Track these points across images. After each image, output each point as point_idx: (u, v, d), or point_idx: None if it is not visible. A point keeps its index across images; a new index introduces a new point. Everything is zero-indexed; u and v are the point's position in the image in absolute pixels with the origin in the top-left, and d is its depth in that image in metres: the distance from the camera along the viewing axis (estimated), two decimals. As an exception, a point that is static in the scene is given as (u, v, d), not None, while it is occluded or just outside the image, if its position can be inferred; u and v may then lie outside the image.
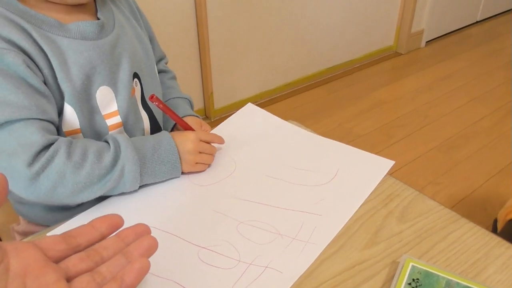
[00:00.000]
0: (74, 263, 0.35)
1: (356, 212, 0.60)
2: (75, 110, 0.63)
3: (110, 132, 0.67)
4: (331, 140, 0.74)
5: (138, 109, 0.73)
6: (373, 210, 0.60)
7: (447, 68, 2.49)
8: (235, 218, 0.59)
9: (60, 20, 0.63)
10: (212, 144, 0.70)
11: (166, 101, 0.82)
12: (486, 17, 3.09)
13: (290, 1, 2.03)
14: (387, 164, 0.68)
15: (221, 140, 0.72)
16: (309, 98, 2.24)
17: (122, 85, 0.68)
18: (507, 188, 1.61)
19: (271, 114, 0.81)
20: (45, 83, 0.60)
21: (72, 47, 0.62)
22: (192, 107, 0.85)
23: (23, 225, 0.75)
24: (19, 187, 0.56)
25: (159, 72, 0.84)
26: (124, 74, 0.68)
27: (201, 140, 0.67)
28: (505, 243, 0.56)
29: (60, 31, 0.62)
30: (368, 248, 0.55)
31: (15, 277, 0.31)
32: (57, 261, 0.34)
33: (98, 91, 0.65)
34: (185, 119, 0.78)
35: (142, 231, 0.38)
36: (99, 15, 0.67)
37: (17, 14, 0.59)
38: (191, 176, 0.67)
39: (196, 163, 0.67)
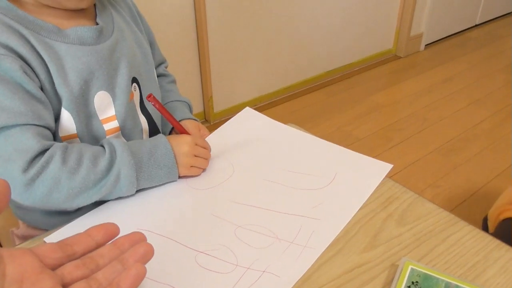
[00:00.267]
0: (69, 270, 0.35)
1: (355, 215, 0.60)
2: (72, 115, 0.63)
3: (107, 137, 0.67)
4: (330, 143, 0.74)
5: (137, 113, 0.72)
6: (372, 213, 0.60)
7: (447, 71, 2.50)
8: (232, 222, 0.59)
9: (60, 25, 0.63)
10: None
11: (165, 104, 0.82)
12: (485, 20, 3.10)
13: (289, 5, 2.04)
14: (386, 167, 0.68)
15: (209, 148, 0.72)
16: (308, 101, 2.24)
17: (120, 90, 0.68)
18: (507, 191, 1.61)
19: (269, 118, 0.81)
20: (42, 89, 0.60)
21: (70, 52, 0.62)
22: (191, 110, 0.85)
23: (22, 229, 0.75)
24: (14, 192, 0.56)
25: (159, 76, 0.84)
26: (123, 79, 0.68)
27: (196, 144, 0.67)
28: (504, 246, 0.55)
29: (58, 36, 0.62)
30: (367, 251, 0.55)
31: (12, 283, 0.31)
32: (53, 268, 0.34)
33: (96, 96, 0.65)
34: (183, 122, 0.79)
35: (138, 239, 0.38)
36: (98, 20, 0.67)
37: (16, 20, 0.59)
38: (189, 180, 0.67)
39: (191, 166, 0.66)
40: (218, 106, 2.01)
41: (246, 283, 0.50)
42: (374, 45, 2.57)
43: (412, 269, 0.50)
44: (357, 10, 2.34)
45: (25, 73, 0.58)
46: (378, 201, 0.62)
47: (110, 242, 0.38)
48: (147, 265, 0.36)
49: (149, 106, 0.75)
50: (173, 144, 0.65)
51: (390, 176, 0.67)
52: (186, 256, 0.54)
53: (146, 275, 0.50)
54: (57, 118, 0.63)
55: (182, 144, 0.66)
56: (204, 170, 0.68)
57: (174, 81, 0.89)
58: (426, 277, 0.49)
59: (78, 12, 0.65)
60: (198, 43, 1.82)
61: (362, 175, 0.67)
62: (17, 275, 0.32)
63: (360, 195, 0.63)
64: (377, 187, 0.64)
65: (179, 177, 0.66)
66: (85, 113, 0.65)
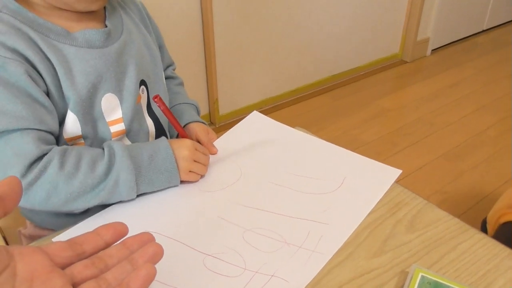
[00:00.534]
0: (79, 270, 0.34)
1: (364, 220, 0.59)
2: (78, 117, 0.63)
3: (112, 139, 0.67)
4: (338, 147, 0.74)
5: (143, 116, 0.72)
6: (382, 219, 0.60)
7: (453, 77, 2.49)
8: (241, 226, 0.59)
9: (69, 27, 0.63)
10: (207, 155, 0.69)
11: (172, 106, 0.82)
12: (492, 25, 3.09)
13: (295, 8, 2.04)
14: (394, 173, 0.68)
15: (213, 150, 0.73)
16: (314, 105, 2.23)
17: (128, 92, 0.68)
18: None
19: (277, 122, 0.81)
20: (48, 92, 0.61)
21: (78, 55, 0.62)
22: (198, 113, 0.84)
23: (30, 229, 0.75)
24: None
25: (167, 78, 0.84)
26: (131, 81, 0.68)
27: (196, 149, 0.66)
28: (516, 254, 0.55)
29: (66, 39, 0.62)
30: (376, 257, 0.54)
31: (22, 281, 0.31)
32: (62, 267, 0.34)
33: (103, 98, 0.65)
34: (191, 125, 0.78)
35: (147, 239, 0.38)
36: (107, 22, 0.67)
37: (25, 23, 0.60)
38: (197, 182, 0.67)
39: (190, 171, 0.65)
40: (224, 108, 2.01)
41: (254, 287, 0.50)
42: (381, 49, 2.57)
43: (422, 276, 0.49)
44: (363, 14, 2.34)
45: (30, 77, 0.58)
46: (387, 206, 0.62)
47: (118, 242, 0.38)
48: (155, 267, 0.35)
49: (156, 109, 0.75)
50: (173, 147, 0.65)
51: (396, 181, 0.66)
52: (194, 259, 0.54)
53: (154, 277, 0.50)
54: (62, 120, 0.63)
55: (181, 148, 0.65)
56: (202, 176, 0.67)
57: (182, 84, 0.88)
58: (437, 285, 0.48)
59: (87, 15, 0.65)
60: (204, 46, 1.82)
61: (371, 180, 0.66)
62: (27, 274, 0.32)
63: (369, 201, 0.62)
64: (386, 192, 0.64)
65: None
66: (91, 115, 0.65)
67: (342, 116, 2.12)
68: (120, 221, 0.39)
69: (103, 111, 0.65)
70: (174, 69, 0.89)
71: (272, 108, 2.18)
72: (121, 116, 0.67)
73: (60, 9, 0.62)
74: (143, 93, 0.72)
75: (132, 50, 0.69)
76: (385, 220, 0.59)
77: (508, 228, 0.90)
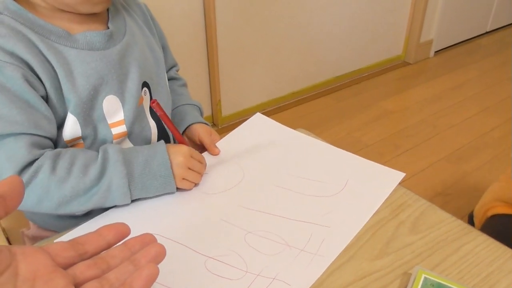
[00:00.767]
0: (81, 270, 0.34)
1: (366, 221, 0.59)
2: (78, 119, 0.63)
3: (114, 141, 0.67)
4: (341, 150, 0.74)
5: (146, 117, 0.72)
6: (384, 220, 0.60)
7: (456, 78, 2.48)
8: (243, 228, 0.58)
9: (71, 29, 0.63)
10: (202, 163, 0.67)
11: (176, 107, 0.82)
12: (496, 27, 3.08)
13: (298, 10, 2.04)
14: (398, 176, 0.67)
15: (215, 151, 0.74)
16: (317, 106, 2.23)
17: (130, 94, 0.67)
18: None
19: (280, 124, 0.81)
20: (46, 96, 0.61)
21: (79, 57, 0.62)
22: (201, 114, 0.84)
23: (33, 230, 0.75)
24: None
25: (170, 79, 0.84)
26: (133, 83, 0.68)
27: (192, 157, 0.65)
28: (519, 256, 0.54)
29: (67, 41, 0.62)
30: (379, 259, 0.54)
31: (24, 281, 0.31)
32: (64, 267, 0.34)
33: (105, 100, 0.65)
34: (194, 126, 0.78)
35: (149, 240, 0.38)
36: (109, 24, 0.67)
37: (25, 25, 0.60)
38: (199, 185, 0.67)
39: (183, 179, 0.64)
40: (226, 110, 2.01)
41: (256, 289, 0.50)
42: (384, 51, 2.56)
43: (425, 278, 0.49)
44: (366, 16, 2.34)
45: (28, 81, 0.58)
46: (390, 208, 0.62)
47: (120, 243, 0.38)
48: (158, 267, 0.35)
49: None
50: (169, 153, 0.64)
51: (399, 183, 0.66)
52: (196, 261, 0.54)
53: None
54: (62, 122, 0.63)
55: (177, 154, 0.64)
56: (196, 185, 0.66)
57: (185, 85, 0.88)
58: (440, 286, 0.48)
59: (90, 16, 0.65)
60: (207, 47, 1.82)
61: (373, 183, 0.66)
62: (29, 274, 0.32)
63: (372, 204, 0.62)
64: (389, 194, 0.64)
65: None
66: (92, 117, 0.65)
67: (345, 117, 2.12)
68: (123, 222, 0.39)
69: (104, 113, 0.65)
70: (177, 70, 0.89)
71: (275, 109, 2.18)
72: (123, 118, 0.67)
73: (63, 11, 0.62)
74: (145, 95, 0.72)
75: (134, 52, 0.69)
76: (388, 222, 0.59)
77: (496, 221, 0.91)
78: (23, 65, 0.58)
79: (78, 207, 0.60)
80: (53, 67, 0.60)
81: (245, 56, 1.96)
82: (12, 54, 0.57)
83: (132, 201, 0.63)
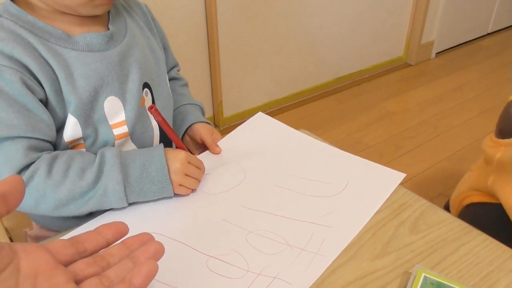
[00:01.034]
0: (81, 267, 0.35)
1: (367, 221, 0.60)
2: (78, 120, 0.63)
3: (116, 141, 0.68)
4: (343, 151, 0.74)
5: (148, 118, 0.72)
6: (385, 220, 0.60)
7: (458, 80, 2.48)
8: (244, 228, 0.59)
9: (71, 31, 0.63)
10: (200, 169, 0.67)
11: (177, 107, 0.83)
12: (497, 29, 3.08)
13: (299, 11, 2.04)
14: (398, 176, 0.68)
15: (216, 150, 0.74)
16: (318, 107, 2.24)
17: (131, 95, 0.68)
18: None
19: (282, 124, 0.81)
20: (46, 98, 0.61)
21: (79, 59, 0.63)
22: (203, 113, 0.85)
23: (35, 230, 0.75)
24: None
25: (171, 79, 0.84)
26: (133, 84, 0.68)
27: (189, 163, 0.65)
28: (519, 256, 0.55)
29: (67, 43, 0.62)
30: (379, 258, 0.54)
31: (26, 277, 0.32)
32: (65, 265, 0.35)
33: (106, 101, 0.65)
34: (195, 125, 0.79)
35: (147, 239, 0.39)
36: (110, 25, 0.67)
37: (25, 27, 0.60)
38: (201, 184, 0.67)
39: (180, 185, 0.63)
40: (228, 111, 2.02)
41: (257, 288, 0.50)
42: (385, 52, 2.57)
43: (425, 277, 0.49)
44: (368, 17, 2.34)
45: (26, 85, 0.58)
46: (391, 208, 0.62)
47: (119, 241, 0.39)
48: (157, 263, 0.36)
49: (161, 111, 0.75)
50: (167, 158, 0.63)
51: (399, 184, 0.66)
52: (197, 260, 0.54)
53: (156, 278, 0.51)
54: (62, 123, 0.64)
55: (174, 160, 0.63)
56: (193, 190, 0.66)
57: (186, 85, 0.89)
58: (440, 285, 0.48)
59: (91, 18, 0.65)
60: (208, 48, 1.83)
61: (374, 183, 0.66)
62: (31, 270, 0.32)
63: (372, 204, 0.62)
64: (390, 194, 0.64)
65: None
66: (93, 119, 0.65)
67: (346, 118, 2.13)
68: (124, 222, 0.39)
69: (106, 114, 0.66)
70: (178, 70, 0.89)
71: (277, 110, 2.18)
72: (124, 119, 0.68)
73: (63, 13, 0.62)
74: (146, 95, 0.72)
75: (135, 53, 0.69)
76: (389, 222, 0.60)
77: (472, 209, 0.92)
78: (22, 68, 0.58)
79: (75, 210, 0.60)
80: (53, 70, 0.61)
81: (246, 57, 1.97)
82: (11, 58, 0.58)
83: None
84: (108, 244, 0.38)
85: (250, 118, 0.82)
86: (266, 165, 0.71)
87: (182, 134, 0.80)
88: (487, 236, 0.58)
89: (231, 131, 0.79)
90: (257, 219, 0.60)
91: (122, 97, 0.67)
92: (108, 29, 0.67)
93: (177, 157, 0.64)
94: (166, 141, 0.74)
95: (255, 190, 0.66)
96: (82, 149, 0.67)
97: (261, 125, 0.81)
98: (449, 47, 2.84)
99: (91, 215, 0.62)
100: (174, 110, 0.82)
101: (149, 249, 0.37)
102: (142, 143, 0.71)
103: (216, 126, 2.02)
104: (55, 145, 0.64)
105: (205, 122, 0.80)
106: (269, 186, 0.67)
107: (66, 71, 0.61)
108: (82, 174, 0.59)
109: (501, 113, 0.88)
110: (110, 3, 0.64)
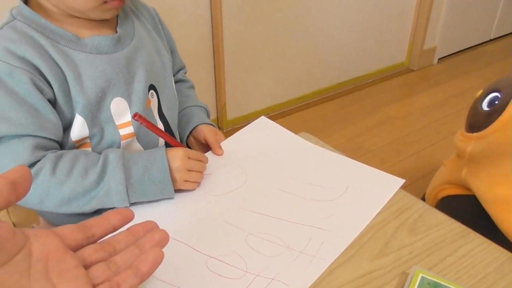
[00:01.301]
0: (89, 253, 0.36)
1: (365, 226, 0.60)
2: (86, 120, 0.65)
3: (122, 141, 0.69)
4: (342, 156, 0.75)
5: (154, 119, 0.74)
6: (384, 222, 0.61)
7: (460, 86, 2.49)
8: (244, 229, 0.60)
9: (80, 33, 0.65)
10: (202, 161, 0.69)
11: (183, 109, 0.84)
12: (500, 35, 3.09)
13: (303, 16, 2.06)
14: (397, 182, 0.68)
15: (219, 152, 0.75)
16: (321, 111, 2.25)
17: (137, 97, 0.69)
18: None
19: (284, 128, 0.82)
20: (54, 98, 0.63)
21: (88, 61, 0.64)
22: (208, 115, 0.86)
23: (43, 226, 0.77)
24: None
25: (177, 81, 0.86)
26: (140, 86, 0.70)
27: (189, 158, 0.66)
28: (515, 258, 0.56)
29: (76, 45, 0.64)
30: (378, 259, 0.55)
31: (38, 261, 0.33)
32: (73, 249, 0.36)
33: (112, 102, 0.67)
34: (200, 126, 0.80)
35: (152, 227, 0.40)
36: (118, 28, 0.69)
37: (37, 30, 0.62)
38: (202, 185, 0.68)
39: (185, 181, 0.65)
40: (231, 113, 2.03)
41: (256, 288, 0.51)
42: (387, 57, 2.58)
43: (422, 277, 0.50)
44: (370, 22, 2.35)
45: (35, 85, 0.60)
46: (390, 210, 0.63)
47: (125, 229, 0.40)
48: (158, 267, 0.37)
49: (167, 112, 0.77)
50: (167, 158, 0.65)
51: (400, 188, 0.68)
52: (197, 260, 0.55)
53: (157, 276, 0.52)
54: (70, 123, 0.65)
55: (174, 158, 0.65)
56: (199, 184, 0.67)
57: (192, 87, 0.90)
58: (437, 285, 0.49)
59: (100, 22, 0.67)
60: (213, 52, 1.85)
61: (373, 189, 0.67)
62: (42, 254, 0.33)
63: (371, 209, 0.63)
64: (389, 196, 0.65)
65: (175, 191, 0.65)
66: (100, 119, 0.67)
67: (348, 123, 2.14)
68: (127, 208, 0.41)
69: (112, 114, 0.67)
70: (185, 73, 0.91)
71: (280, 114, 2.19)
72: (130, 119, 0.69)
73: (74, 16, 0.64)
74: (152, 97, 0.73)
75: (142, 56, 0.71)
76: (388, 223, 0.61)
77: (447, 202, 0.94)
78: (32, 69, 0.60)
79: (78, 208, 0.62)
80: (62, 71, 0.63)
81: (250, 61, 1.98)
82: (22, 59, 0.60)
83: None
84: (114, 230, 0.39)
85: (253, 122, 0.83)
86: (267, 168, 0.72)
87: (187, 135, 0.82)
88: (485, 239, 0.59)
89: (234, 133, 0.81)
90: (257, 221, 0.61)
91: (128, 98, 0.69)
92: (116, 32, 0.69)
93: (177, 155, 0.65)
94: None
95: (255, 192, 0.67)
96: (88, 148, 0.68)
97: (263, 129, 0.82)
98: (451, 53, 2.85)
99: (97, 212, 0.64)
100: (179, 112, 0.84)
101: (154, 236, 0.39)
102: (147, 143, 0.73)
103: (219, 128, 2.03)
104: (62, 144, 0.66)
105: (209, 124, 0.81)
106: (270, 189, 0.68)
107: (75, 72, 0.63)
108: (85, 173, 0.61)
109: (470, 109, 0.91)
110: (119, 7, 0.66)
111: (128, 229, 0.40)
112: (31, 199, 0.60)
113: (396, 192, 0.66)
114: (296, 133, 0.81)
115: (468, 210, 0.81)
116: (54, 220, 0.74)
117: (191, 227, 0.60)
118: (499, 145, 0.77)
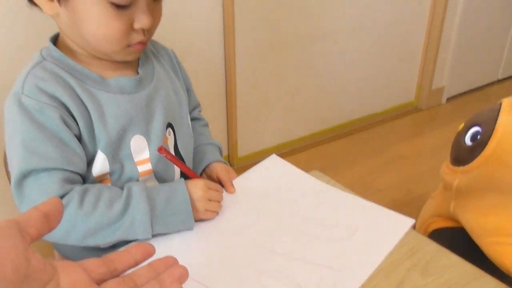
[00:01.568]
0: (112, 286, 0.37)
1: (376, 266, 0.61)
2: (107, 157, 0.68)
3: (140, 178, 0.71)
4: (353, 195, 0.76)
5: None
6: (396, 263, 0.61)
7: (469, 125, 2.50)
8: (256, 268, 0.60)
9: (106, 74, 0.69)
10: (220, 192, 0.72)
11: (197, 146, 0.87)
12: (507, 75, 3.12)
13: (314, 57, 2.11)
14: (407, 222, 0.69)
15: (231, 189, 0.76)
16: (331, 150, 2.26)
17: (155, 135, 0.72)
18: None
19: (294, 166, 0.83)
20: (80, 135, 0.66)
21: (111, 100, 0.68)
22: (221, 153, 0.88)
23: (57, 260, 0.77)
24: None
25: (192, 119, 0.89)
26: (158, 124, 0.73)
27: (209, 188, 0.69)
28: (529, 302, 0.55)
29: (101, 86, 0.68)
30: (391, 300, 0.55)
31: None
32: (97, 283, 0.37)
33: (132, 139, 0.70)
34: (213, 164, 0.82)
35: (172, 262, 0.41)
36: (139, 69, 0.73)
37: (65, 70, 0.66)
38: (213, 222, 0.69)
39: (206, 210, 0.68)
40: (243, 151, 2.05)
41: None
42: (396, 97, 2.61)
43: (436, 320, 0.50)
44: (379, 63, 2.40)
45: (64, 121, 0.63)
46: (402, 251, 0.63)
47: (146, 264, 0.41)
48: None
49: (183, 149, 0.79)
50: (188, 189, 0.67)
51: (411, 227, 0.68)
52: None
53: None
54: (92, 159, 0.68)
55: (196, 189, 0.68)
56: (217, 213, 0.70)
57: (206, 125, 0.93)
58: (451, 328, 0.49)
59: (123, 63, 0.71)
60: (226, 90, 1.89)
61: (384, 229, 0.68)
62: (69, 286, 0.35)
63: (382, 249, 0.63)
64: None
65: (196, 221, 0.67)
66: (120, 155, 0.69)
67: (358, 161, 2.14)
68: (149, 243, 0.42)
69: (132, 151, 0.70)
70: (200, 111, 0.94)
71: (290, 151, 2.21)
72: (148, 156, 0.72)
73: (99, 58, 0.69)
74: (169, 135, 0.76)
75: (161, 96, 0.74)
76: (400, 264, 0.61)
77: (437, 235, 0.94)
78: (61, 106, 0.64)
79: (103, 240, 0.63)
80: (87, 109, 0.66)
81: (262, 100, 2.02)
82: (52, 97, 0.63)
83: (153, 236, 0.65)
84: (136, 264, 0.40)
85: (264, 160, 0.85)
86: (278, 207, 0.73)
87: (200, 172, 0.84)
88: (499, 282, 0.58)
89: (245, 171, 0.82)
90: (268, 260, 0.62)
91: (147, 136, 0.71)
92: (138, 73, 0.73)
93: (197, 186, 0.68)
94: (185, 177, 0.77)
95: (266, 230, 0.67)
96: (108, 184, 0.70)
97: (274, 167, 0.84)
98: (460, 93, 2.88)
99: (114, 246, 0.65)
100: (194, 149, 0.86)
101: (175, 272, 0.40)
102: (164, 180, 0.75)
103: (231, 164, 2.05)
104: (84, 178, 0.68)
105: (222, 162, 0.83)
106: (280, 227, 0.68)
107: (99, 111, 0.66)
108: (110, 205, 0.63)
109: (453, 143, 0.93)
110: (141, 50, 0.70)
111: (149, 264, 0.41)
112: (58, 232, 0.61)
113: (408, 233, 0.66)
114: (306, 170, 0.82)
115: (458, 243, 0.80)
116: (71, 255, 0.75)
117: (202, 265, 0.61)
118: (484, 179, 0.79)
